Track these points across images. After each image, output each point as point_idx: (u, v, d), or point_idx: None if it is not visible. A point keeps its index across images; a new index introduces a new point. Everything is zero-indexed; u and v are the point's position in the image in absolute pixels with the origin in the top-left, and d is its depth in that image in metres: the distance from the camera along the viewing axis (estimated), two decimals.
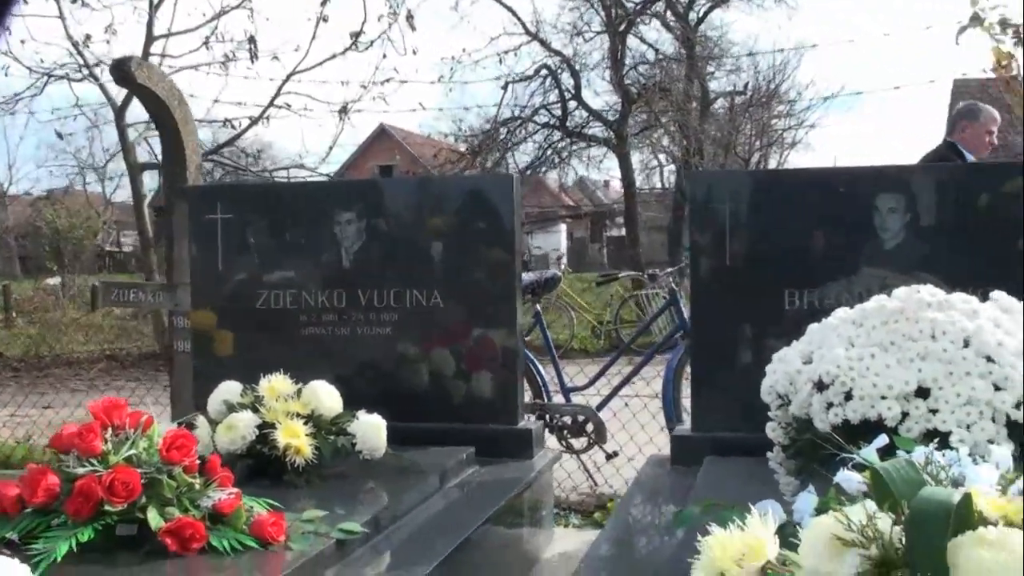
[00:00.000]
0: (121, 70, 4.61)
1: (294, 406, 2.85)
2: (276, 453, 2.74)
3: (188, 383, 3.87)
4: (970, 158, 5.23)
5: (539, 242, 25.96)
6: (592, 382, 5.59)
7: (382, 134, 30.46)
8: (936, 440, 1.81)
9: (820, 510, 1.48)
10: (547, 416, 5.15)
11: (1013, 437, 1.98)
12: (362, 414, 2.94)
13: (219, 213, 3.62)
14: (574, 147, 17.67)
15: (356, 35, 10.71)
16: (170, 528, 2.07)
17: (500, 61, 16.16)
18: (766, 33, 41.15)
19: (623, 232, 20.85)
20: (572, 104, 16.76)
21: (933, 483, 1.41)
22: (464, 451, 3.26)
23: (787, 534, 1.40)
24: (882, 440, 1.68)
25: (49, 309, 16.18)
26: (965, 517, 1.25)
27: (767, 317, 3.16)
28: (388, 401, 3.14)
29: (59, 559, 1.98)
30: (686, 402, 4.94)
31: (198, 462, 2.27)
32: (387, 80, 11.27)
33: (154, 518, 2.09)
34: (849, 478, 1.55)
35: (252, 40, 10.54)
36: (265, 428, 2.79)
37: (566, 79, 16.73)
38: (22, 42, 11.04)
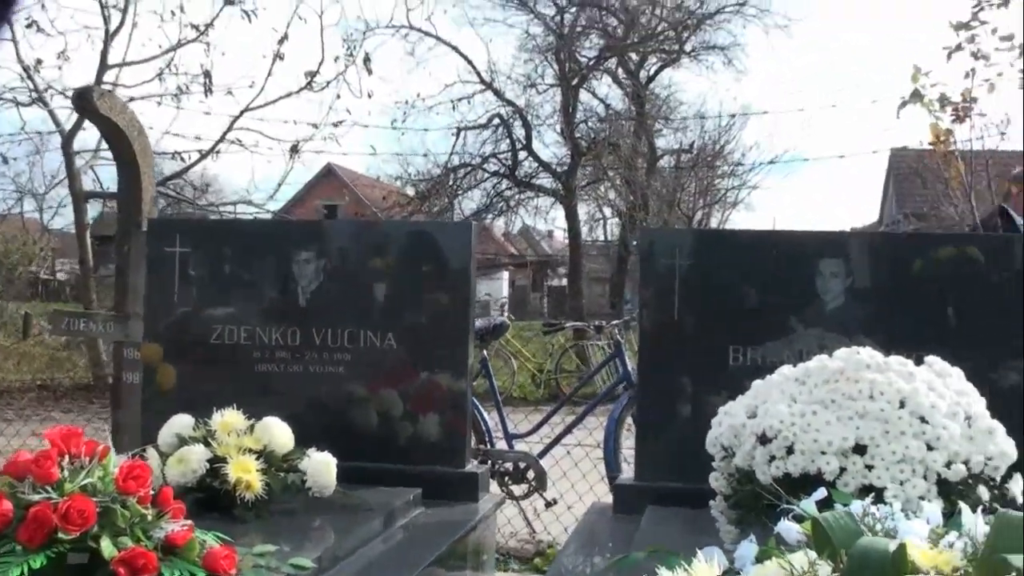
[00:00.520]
0: (83, 99, 4.63)
1: (247, 441, 2.86)
2: (226, 487, 2.75)
3: (136, 415, 3.84)
4: (1020, 220, 5.40)
5: (483, 288, 26.04)
6: (535, 429, 5.66)
7: (329, 173, 30.43)
8: (871, 495, 1.88)
9: (761, 558, 1.55)
10: (489, 461, 5.20)
11: (943, 494, 2.09)
12: (313, 452, 2.96)
13: (178, 246, 3.64)
14: (522, 196, 17.89)
15: (312, 75, 10.81)
16: (123, 557, 2.07)
17: (453, 108, 16.39)
18: (714, 94, 42.06)
19: (564, 282, 21.04)
20: (522, 154, 17.00)
21: (870, 534, 1.50)
22: (411, 492, 3.28)
23: None
24: (821, 493, 1.77)
25: None
26: (900, 565, 1.34)
27: (712, 371, 3.24)
28: (337, 440, 3.15)
29: None
30: (627, 452, 5.03)
31: (151, 494, 2.28)
32: (340, 122, 11.36)
33: (107, 547, 2.08)
34: (789, 528, 1.63)
35: (207, 74, 10.58)
36: (216, 462, 2.80)
37: (518, 129, 16.99)
38: None
